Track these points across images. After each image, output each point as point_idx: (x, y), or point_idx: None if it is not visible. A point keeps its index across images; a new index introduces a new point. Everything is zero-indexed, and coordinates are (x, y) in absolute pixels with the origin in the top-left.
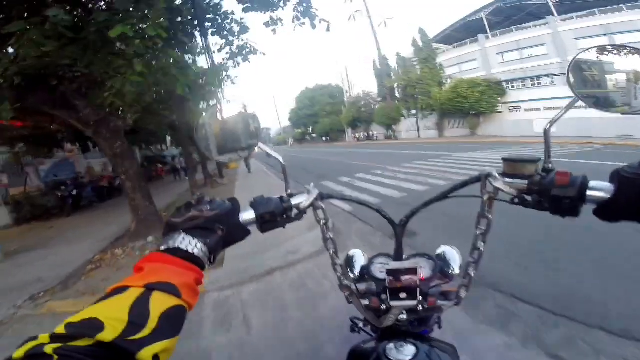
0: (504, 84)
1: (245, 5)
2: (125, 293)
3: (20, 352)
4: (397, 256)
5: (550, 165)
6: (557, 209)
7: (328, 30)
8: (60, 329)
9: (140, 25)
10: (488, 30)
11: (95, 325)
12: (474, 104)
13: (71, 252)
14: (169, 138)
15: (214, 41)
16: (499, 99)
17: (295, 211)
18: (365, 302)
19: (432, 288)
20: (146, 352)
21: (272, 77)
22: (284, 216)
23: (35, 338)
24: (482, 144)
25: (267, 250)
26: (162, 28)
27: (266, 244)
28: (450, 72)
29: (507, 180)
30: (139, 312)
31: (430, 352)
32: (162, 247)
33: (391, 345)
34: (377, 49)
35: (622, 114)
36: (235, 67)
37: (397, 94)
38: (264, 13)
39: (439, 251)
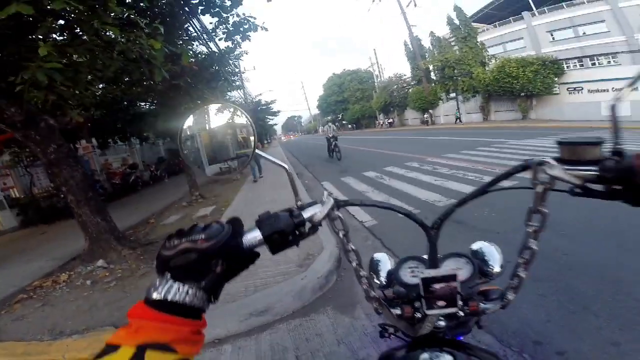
0: (562, 62)
1: None
2: (118, 353)
3: None
4: (432, 263)
5: (619, 147)
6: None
7: None
8: None
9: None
10: (533, 7)
11: None
12: (525, 84)
13: (17, 272)
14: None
15: (209, 21)
16: (556, 79)
17: (308, 224)
18: (397, 311)
19: (471, 288)
20: None
21: (300, 64)
22: (296, 232)
23: None
24: (540, 129)
25: None
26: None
27: None
28: (494, 51)
29: (566, 167)
30: None
31: None
32: (152, 296)
33: (425, 355)
34: (407, 29)
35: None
36: (235, 47)
37: (433, 76)
38: None
39: (474, 247)
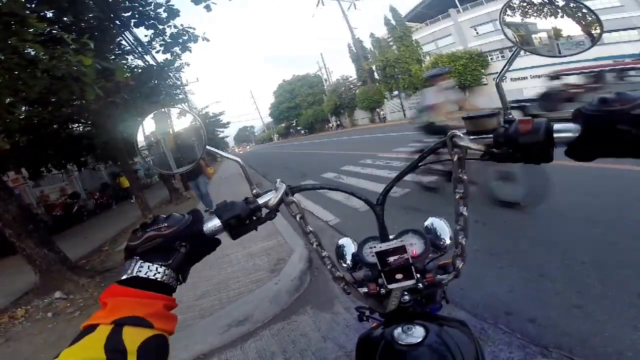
0: (486, 55)
1: None
2: (95, 332)
3: None
4: (383, 237)
5: (510, 117)
6: (528, 157)
7: None
8: None
9: None
10: (458, 5)
11: None
12: (458, 77)
13: None
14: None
15: (144, 33)
16: (483, 70)
17: (265, 210)
18: (364, 289)
19: (428, 263)
20: None
21: (249, 75)
22: (254, 218)
23: None
24: None
25: None
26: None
27: None
28: (428, 48)
29: (472, 137)
30: (115, 349)
31: (440, 330)
32: (122, 277)
33: (399, 329)
34: (350, 32)
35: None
36: (174, 60)
37: (376, 76)
38: None
39: (426, 223)
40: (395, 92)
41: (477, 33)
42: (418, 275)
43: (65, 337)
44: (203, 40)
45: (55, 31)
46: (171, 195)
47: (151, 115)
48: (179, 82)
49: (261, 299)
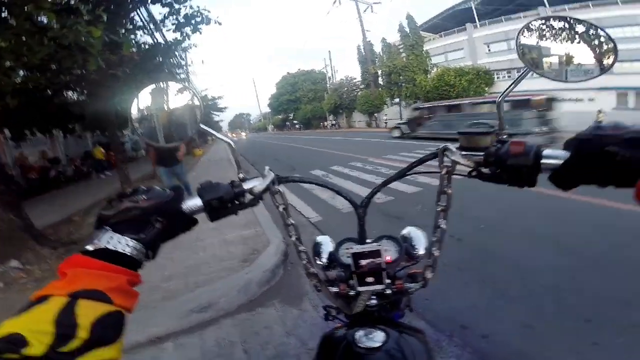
0: (493, 73)
1: None
2: (47, 303)
3: None
4: (361, 239)
5: (505, 137)
6: (514, 179)
7: None
8: None
9: None
10: (477, 20)
11: (18, 340)
12: (460, 92)
13: None
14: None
15: (158, 11)
16: (487, 88)
17: (248, 196)
18: (335, 289)
19: (399, 270)
20: None
21: (252, 60)
22: (236, 202)
23: None
24: None
25: None
26: None
27: None
28: (436, 60)
29: (464, 153)
30: (65, 323)
31: (399, 338)
32: (88, 248)
33: (361, 332)
34: (362, 34)
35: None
36: (184, 39)
37: (380, 81)
38: None
39: (404, 232)
40: (396, 100)
41: (489, 50)
42: (388, 281)
43: (14, 309)
44: (215, 23)
45: (72, 1)
46: (154, 173)
47: (149, 88)
48: (183, 62)
49: (230, 287)
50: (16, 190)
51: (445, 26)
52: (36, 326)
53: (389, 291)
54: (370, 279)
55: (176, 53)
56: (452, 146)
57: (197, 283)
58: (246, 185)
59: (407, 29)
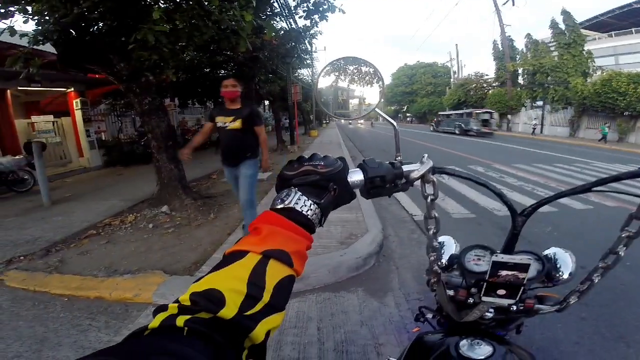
0: None
1: None
2: (244, 260)
3: (155, 323)
4: (508, 249)
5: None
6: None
7: None
8: (185, 298)
9: None
10: None
11: (217, 299)
12: (634, 102)
13: (93, 208)
14: (266, 103)
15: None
16: None
17: (403, 180)
18: (450, 292)
19: (531, 290)
20: (260, 328)
21: (372, 53)
22: (393, 184)
23: (165, 308)
24: (637, 154)
25: None
26: None
27: None
28: (601, 63)
29: None
30: (256, 283)
31: (507, 356)
32: (278, 206)
33: (465, 341)
34: (500, 28)
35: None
36: (312, 26)
37: (520, 80)
38: None
39: (547, 252)
40: (539, 102)
41: None
42: (518, 298)
43: (152, 251)
44: (339, 11)
45: None
46: (278, 145)
47: (334, 62)
48: (310, 48)
49: (322, 265)
50: (177, 147)
51: (615, 25)
52: (232, 284)
53: (515, 307)
54: (501, 291)
55: (305, 39)
56: None
57: None
58: (405, 168)
59: (563, 26)
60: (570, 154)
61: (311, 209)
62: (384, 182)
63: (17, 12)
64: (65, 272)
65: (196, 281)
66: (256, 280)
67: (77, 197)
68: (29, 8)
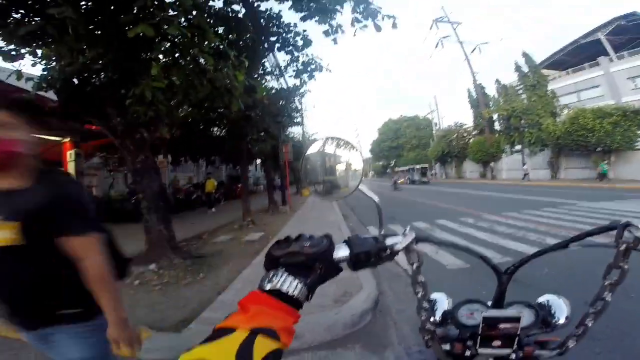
0: None
1: (303, 14)
2: (233, 335)
3: None
4: (497, 304)
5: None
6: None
7: (394, 27)
8: None
9: (165, 27)
10: (612, 52)
11: None
12: (603, 138)
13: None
14: (258, 161)
15: (281, 58)
16: (639, 132)
17: (387, 252)
18: (446, 347)
19: (529, 337)
20: None
21: (354, 107)
22: (377, 257)
23: None
24: (618, 190)
25: None
26: (195, 28)
27: None
28: (566, 101)
29: None
30: (244, 357)
31: None
32: (266, 287)
33: None
34: (471, 76)
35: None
36: (302, 85)
37: (497, 126)
38: (323, 24)
39: (541, 300)
40: (518, 147)
41: (637, 86)
42: (516, 346)
43: (138, 306)
44: (326, 70)
45: (222, 46)
46: (269, 206)
47: (320, 141)
48: (300, 107)
49: (318, 323)
50: (168, 207)
51: (570, 62)
52: (221, 357)
53: (514, 356)
54: (496, 343)
55: (295, 98)
56: (638, 222)
57: None
58: (388, 242)
59: (525, 68)
60: (554, 196)
61: (297, 288)
62: (368, 257)
63: (27, 54)
64: None
65: (186, 351)
66: (243, 354)
67: None
68: (39, 52)
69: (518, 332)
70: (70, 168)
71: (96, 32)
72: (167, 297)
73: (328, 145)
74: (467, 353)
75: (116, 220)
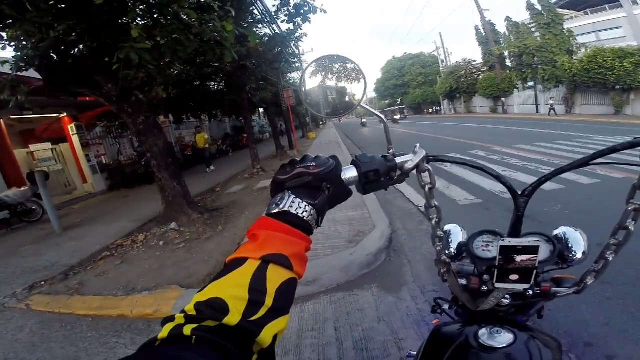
0: None
1: None
2: (244, 266)
3: (164, 333)
4: (514, 232)
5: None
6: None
7: None
8: (190, 308)
9: None
10: None
11: (220, 306)
12: (622, 76)
13: (103, 231)
14: (261, 110)
15: (271, 3)
16: None
17: (397, 172)
18: (462, 281)
19: (545, 272)
20: (266, 333)
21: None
22: (387, 177)
23: (172, 319)
24: (636, 125)
25: None
26: None
27: None
28: (583, 40)
29: None
30: (257, 289)
31: (529, 342)
32: (272, 210)
33: (484, 329)
34: (480, 13)
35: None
36: (296, 30)
37: (508, 63)
38: None
39: (556, 232)
40: (530, 83)
41: None
42: (532, 281)
43: (165, 266)
44: (321, 11)
45: None
46: (277, 151)
47: (315, 61)
48: (297, 51)
49: (333, 265)
50: (177, 163)
51: (588, 3)
52: (234, 291)
53: (530, 292)
54: (514, 277)
55: (290, 43)
56: None
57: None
58: (398, 160)
59: (539, 6)
60: (568, 130)
61: (306, 210)
62: (378, 176)
63: None
64: (86, 294)
65: (199, 290)
66: (257, 285)
67: (86, 222)
68: (3, 34)
69: (536, 265)
70: (75, 141)
71: (60, 5)
72: (191, 253)
73: (324, 65)
74: (484, 288)
75: (131, 184)
